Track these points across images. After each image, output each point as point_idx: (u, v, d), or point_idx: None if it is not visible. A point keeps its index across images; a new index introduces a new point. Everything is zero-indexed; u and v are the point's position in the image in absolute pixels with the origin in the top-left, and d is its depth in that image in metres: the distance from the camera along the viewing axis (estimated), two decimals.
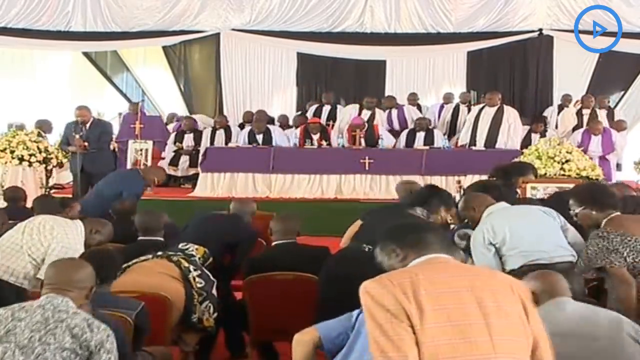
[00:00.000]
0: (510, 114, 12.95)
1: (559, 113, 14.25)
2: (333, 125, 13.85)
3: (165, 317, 4.97)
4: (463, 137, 13.04)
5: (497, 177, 7.10)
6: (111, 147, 12.00)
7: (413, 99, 14.78)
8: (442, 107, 14.73)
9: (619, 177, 13.20)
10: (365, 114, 13.49)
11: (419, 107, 14.75)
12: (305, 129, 13.26)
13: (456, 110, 14.29)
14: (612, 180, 12.27)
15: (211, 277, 5.54)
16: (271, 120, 14.19)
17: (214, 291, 5.50)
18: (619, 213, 4.83)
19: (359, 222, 5.89)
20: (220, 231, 6.45)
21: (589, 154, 11.84)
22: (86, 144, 10.44)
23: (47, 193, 8.74)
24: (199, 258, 5.71)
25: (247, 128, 14.33)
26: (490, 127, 12.81)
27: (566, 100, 14.40)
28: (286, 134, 13.48)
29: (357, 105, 13.91)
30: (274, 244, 6.01)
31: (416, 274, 2.91)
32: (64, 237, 5.41)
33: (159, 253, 5.60)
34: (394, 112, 14.02)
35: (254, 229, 6.91)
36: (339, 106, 14.63)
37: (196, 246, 5.77)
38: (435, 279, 2.89)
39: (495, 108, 12.93)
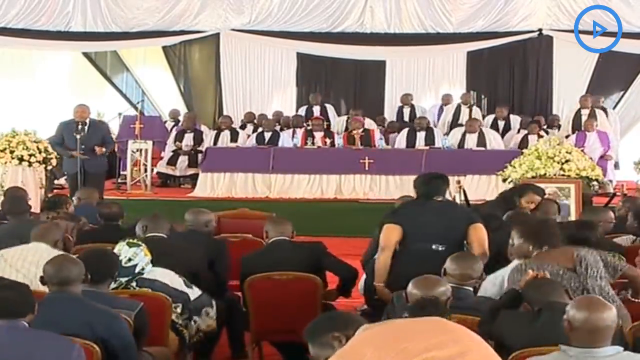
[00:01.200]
0: (492, 140, 13.17)
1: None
2: (328, 126, 13.90)
3: (164, 317, 4.96)
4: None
5: (497, 204, 7.06)
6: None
7: (406, 99, 14.76)
8: (441, 108, 14.73)
9: (618, 177, 13.21)
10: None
11: (413, 108, 14.76)
12: (307, 130, 13.30)
13: (457, 111, 14.27)
14: (607, 178, 12.29)
15: (180, 288, 5.16)
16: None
17: (192, 296, 5.24)
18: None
19: (394, 227, 5.57)
20: (188, 261, 5.82)
21: (588, 152, 11.83)
22: (104, 149, 10.42)
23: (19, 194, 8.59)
24: (149, 261, 5.16)
25: (249, 129, 14.37)
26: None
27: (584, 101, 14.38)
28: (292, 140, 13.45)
29: (345, 117, 14.11)
30: (270, 241, 6.01)
31: (372, 337, 2.92)
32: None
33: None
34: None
35: (217, 240, 6.64)
36: (327, 105, 14.66)
37: (138, 250, 5.15)
38: (392, 336, 2.91)
39: (477, 134, 13.06)
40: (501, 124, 14.18)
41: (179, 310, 5.14)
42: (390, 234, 5.55)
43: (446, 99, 14.81)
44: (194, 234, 6.37)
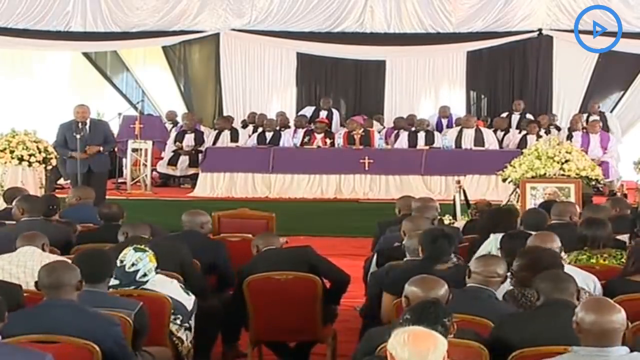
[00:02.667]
0: (489, 136, 13.22)
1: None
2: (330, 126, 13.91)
3: (164, 317, 4.94)
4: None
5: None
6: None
7: (411, 120, 14.63)
8: (439, 119, 14.58)
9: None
10: None
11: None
12: (308, 130, 13.30)
13: (460, 136, 13.83)
14: (609, 178, 12.30)
15: (179, 298, 5.09)
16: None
17: (188, 304, 5.17)
18: None
19: (390, 297, 5.21)
20: (176, 255, 5.80)
21: (592, 155, 11.85)
22: (101, 148, 10.42)
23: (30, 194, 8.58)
24: (153, 269, 5.09)
25: (250, 129, 14.38)
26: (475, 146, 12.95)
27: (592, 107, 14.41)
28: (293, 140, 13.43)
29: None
30: (263, 249, 6.03)
31: None
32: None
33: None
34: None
35: (213, 241, 6.72)
36: (334, 110, 14.61)
37: (143, 255, 5.07)
38: None
39: (474, 130, 13.08)
40: (500, 134, 14.14)
41: (178, 322, 5.07)
42: (389, 304, 5.18)
43: (443, 111, 14.63)
44: (191, 236, 6.39)
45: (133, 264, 5.02)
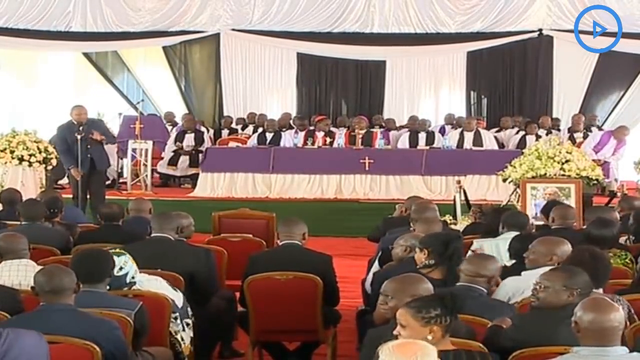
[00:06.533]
0: (486, 139, 13.19)
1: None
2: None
3: (164, 317, 4.93)
4: None
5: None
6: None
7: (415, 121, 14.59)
8: (443, 128, 14.49)
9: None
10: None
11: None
12: (308, 130, 13.31)
13: (462, 138, 13.70)
14: (609, 179, 12.30)
15: (171, 295, 5.00)
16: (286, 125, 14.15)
17: (178, 302, 5.06)
18: None
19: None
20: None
21: (600, 155, 11.86)
22: (103, 137, 10.36)
23: (35, 198, 8.53)
24: (137, 270, 5.00)
25: (250, 129, 14.38)
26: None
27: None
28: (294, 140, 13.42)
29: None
30: (281, 243, 5.98)
31: None
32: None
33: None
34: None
35: (196, 248, 6.03)
36: (334, 130, 14.53)
37: (126, 258, 4.95)
38: None
39: (473, 132, 13.13)
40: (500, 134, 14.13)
41: (178, 320, 5.02)
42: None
43: (449, 119, 14.45)
44: (162, 242, 5.83)
45: (121, 268, 4.90)
